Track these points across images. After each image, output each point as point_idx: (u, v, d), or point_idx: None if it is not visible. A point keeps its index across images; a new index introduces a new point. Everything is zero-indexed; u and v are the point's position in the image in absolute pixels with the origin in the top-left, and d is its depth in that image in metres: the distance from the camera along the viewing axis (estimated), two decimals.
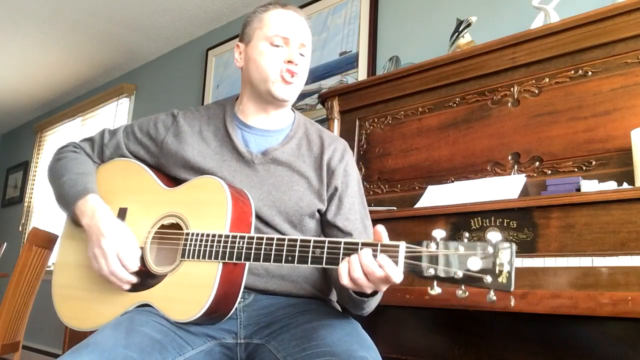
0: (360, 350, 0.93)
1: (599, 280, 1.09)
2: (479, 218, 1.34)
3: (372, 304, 1.03)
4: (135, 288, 1.08)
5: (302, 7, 2.84)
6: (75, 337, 2.79)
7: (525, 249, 1.25)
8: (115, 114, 4.31)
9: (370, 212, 1.29)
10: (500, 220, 1.30)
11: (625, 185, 1.25)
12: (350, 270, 0.87)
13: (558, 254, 1.19)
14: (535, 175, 1.49)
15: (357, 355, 0.91)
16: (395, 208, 1.62)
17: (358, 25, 2.57)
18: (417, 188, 1.74)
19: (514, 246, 0.79)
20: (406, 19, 2.39)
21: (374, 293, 0.96)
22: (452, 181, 1.64)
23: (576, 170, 1.41)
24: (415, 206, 1.55)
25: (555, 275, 1.15)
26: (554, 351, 1.35)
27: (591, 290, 1.09)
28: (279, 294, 1.13)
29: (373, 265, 0.85)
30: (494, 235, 0.80)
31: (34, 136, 5.39)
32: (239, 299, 1.04)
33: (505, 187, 1.41)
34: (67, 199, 1.16)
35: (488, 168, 1.59)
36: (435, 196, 1.56)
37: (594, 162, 1.39)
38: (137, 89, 4.21)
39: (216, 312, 1.02)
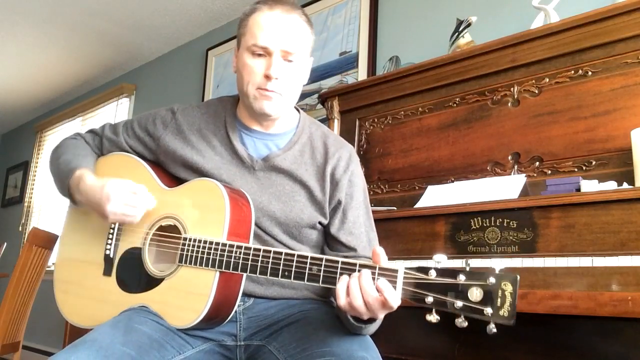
0: (360, 351, 0.92)
1: (599, 280, 1.09)
2: (479, 218, 1.33)
3: (371, 329, 0.99)
4: (134, 289, 1.08)
5: (302, 7, 2.84)
6: (75, 337, 2.78)
7: (525, 249, 1.24)
8: (115, 114, 4.31)
9: None
10: (500, 220, 1.30)
11: (625, 185, 1.25)
12: (349, 292, 0.85)
13: (558, 254, 1.19)
14: (535, 175, 1.48)
15: (357, 355, 0.91)
16: (395, 208, 1.62)
17: (358, 25, 2.57)
18: (417, 188, 1.74)
19: (517, 278, 0.76)
20: (406, 19, 2.39)
21: (372, 320, 0.93)
22: (452, 181, 1.64)
23: (576, 170, 1.41)
24: (415, 206, 1.55)
25: (555, 275, 1.15)
26: (554, 351, 1.35)
27: (591, 290, 1.09)
28: (279, 299, 1.12)
29: (371, 289, 0.83)
30: (497, 264, 0.77)
31: (34, 136, 5.39)
32: (237, 304, 1.04)
33: (505, 187, 1.41)
34: (62, 177, 1.17)
35: (488, 168, 1.59)
36: (435, 196, 1.56)
37: (594, 162, 1.39)
38: (137, 89, 4.21)
39: (214, 319, 1.02)
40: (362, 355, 0.91)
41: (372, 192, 1.85)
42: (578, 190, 1.29)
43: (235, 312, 1.06)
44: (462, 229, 1.36)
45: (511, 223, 1.28)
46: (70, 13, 3.49)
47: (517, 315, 0.76)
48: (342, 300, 0.86)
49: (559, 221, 1.21)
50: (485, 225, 1.33)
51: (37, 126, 5.33)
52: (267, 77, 1.05)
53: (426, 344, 1.58)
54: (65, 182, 1.16)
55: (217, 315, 1.01)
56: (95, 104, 4.53)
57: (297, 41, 1.08)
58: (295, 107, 1.22)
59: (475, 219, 1.34)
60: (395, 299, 0.83)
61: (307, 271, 0.91)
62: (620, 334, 1.26)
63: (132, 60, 4.20)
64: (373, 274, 0.85)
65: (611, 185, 1.25)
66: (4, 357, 2.44)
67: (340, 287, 0.86)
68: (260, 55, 1.07)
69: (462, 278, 0.79)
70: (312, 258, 0.91)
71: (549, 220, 1.23)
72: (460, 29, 1.85)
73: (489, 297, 0.76)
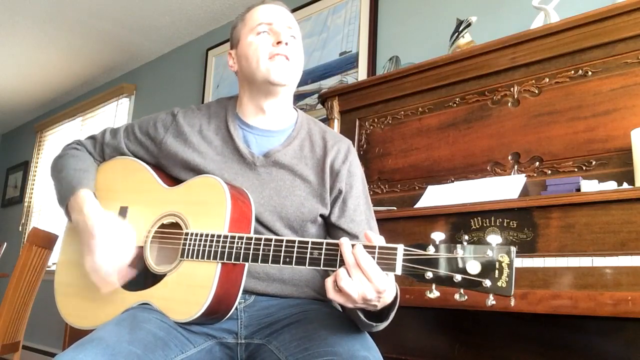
0: (362, 350, 0.92)
1: (599, 280, 1.09)
2: (479, 218, 1.34)
3: (381, 326, 0.98)
4: (135, 287, 1.08)
5: (302, 7, 2.84)
6: (75, 337, 2.79)
7: (525, 249, 1.25)
8: (115, 114, 4.31)
9: None
10: (500, 220, 1.30)
11: (625, 185, 1.25)
12: (338, 280, 0.85)
13: (558, 254, 1.19)
14: (535, 175, 1.49)
15: (359, 355, 0.91)
16: (395, 208, 1.63)
17: (358, 25, 2.57)
18: (417, 188, 1.74)
19: (514, 249, 0.78)
20: (406, 19, 2.39)
21: (382, 317, 0.94)
22: (452, 181, 1.64)
23: (576, 170, 1.41)
24: (415, 206, 1.55)
25: (555, 275, 1.15)
26: (554, 351, 1.35)
27: (591, 290, 1.09)
28: (280, 297, 1.12)
29: (350, 259, 0.85)
30: (493, 238, 0.79)
31: (34, 136, 5.39)
32: (238, 299, 1.04)
33: (505, 187, 1.41)
34: (62, 194, 1.17)
35: (488, 168, 1.59)
36: (435, 196, 1.56)
37: (594, 162, 1.39)
38: (137, 89, 4.21)
39: (216, 312, 1.02)
40: (364, 355, 0.91)
41: (372, 192, 1.85)
42: (578, 190, 1.29)
43: (237, 309, 1.06)
44: (462, 229, 1.36)
45: (511, 223, 1.28)
46: (70, 13, 3.49)
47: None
48: (330, 293, 0.87)
49: (559, 221, 1.21)
50: (485, 225, 1.33)
51: (37, 126, 5.33)
52: (278, 43, 1.13)
53: (426, 344, 1.58)
54: (64, 201, 1.16)
55: (218, 309, 1.01)
56: (95, 104, 4.53)
57: (294, 23, 1.21)
58: (293, 107, 1.26)
59: (475, 219, 1.34)
60: (372, 267, 0.83)
61: (308, 255, 0.92)
62: (620, 334, 1.26)
63: (132, 60, 4.20)
64: (372, 253, 0.86)
65: (611, 185, 1.26)
66: (4, 357, 2.44)
67: (329, 280, 0.87)
68: (265, 32, 1.15)
69: (460, 252, 0.80)
70: (313, 242, 0.92)
71: (549, 220, 1.23)
72: (460, 29, 1.86)
73: (487, 269, 0.78)
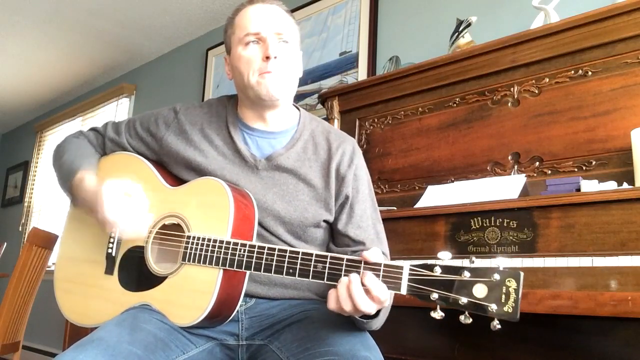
0: (363, 350, 0.92)
1: (599, 280, 1.09)
2: (479, 218, 1.34)
3: (374, 324, 0.99)
4: (135, 288, 1.08)
5: (302, 7, 2.84)
6: (75, 337, 2.79)
7: (525, 249, 1.25)
8: (115, 114, 4.31)
9: None
10: (500, 220, 1.30)
11: (625, 185, 1.25)
12: (338, 298, 0.86)
13: (558, 254, 1.19)
14: (535, 175, 1.49)
15: (360, 355, 0.91)
16: (395, 208, 1.62)
17: (358, 25, 2.57)
18: (417, 188, 1.74)
19: (522, 275, 0.77)
20: (406, 19, 2.39)
21: (375, 314, 0.93)
22: (452, 181, 1.64)
23: (576, 170, 1.41)
24: (415, 206, 1.55)
25: (555, 275, 1.15)
26: (554, 351, 1.35)
27: (591, 290, 1.09)
28: (281, 299, 1.12)
29: (358, 290, 0.84)
30: (501, 261, 0.78)
31: (34, 136, 5.39)
32: (240, 303, 1.04)
33: (505, 187, 1.41)
34: (66, 175, 1.16)
35: (488, 168, 1.59)
36: (435, 196, 1.56)
37: (594, 162, 1.39)
38: (137, 89, 4.21)
39: (217, 317, 1.02)
40: (365, 355, 0.91)
41: None
42: (578, 190, 1.29)
43: (237, 311, 1.06)
44: (462, 229, 1.36)
45: (511, 223, 1.28)
46: (70, 13, 3.49)
47: None
48: (332, 303, 0.87)
49: (559, 221, 1.21)
50: (485, 225, 1.33)
51: (37, 126, 5.33)
52: (267, 59, 1.08)
53: (426, 344, 1.58)
54: (67, 183, 1.16)
55: (219, 313, 1.01)
56: (95, 104, 4.53)
57: (285, 23, 1.13)
58: (294, 105, 1.23)
59: (475, 219, 1.34)
60: (381, 291, 0.84)
61: (311, 268, 0.91)
62: (620, 334, 1.26)
63: (132, 60, 4.20)
64: (377, 271, 0.85)
65: (611, 185, 1.26)
66: (4, 357, 2.44)
67: (331, 292, 0.88)
68: (254, 43, 1.10)
69: (466, 275, 0.79)
70: (317, 255, 0.91)
71: (549, 220, 1.23)
72: (460, 29, 1.86)
73: (493, 293, 0.77)
